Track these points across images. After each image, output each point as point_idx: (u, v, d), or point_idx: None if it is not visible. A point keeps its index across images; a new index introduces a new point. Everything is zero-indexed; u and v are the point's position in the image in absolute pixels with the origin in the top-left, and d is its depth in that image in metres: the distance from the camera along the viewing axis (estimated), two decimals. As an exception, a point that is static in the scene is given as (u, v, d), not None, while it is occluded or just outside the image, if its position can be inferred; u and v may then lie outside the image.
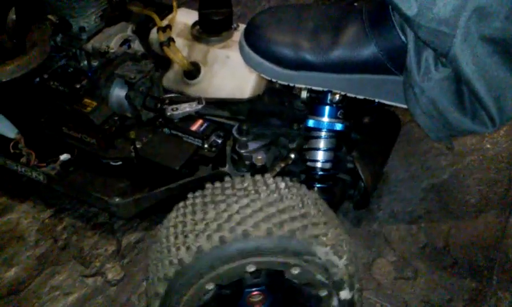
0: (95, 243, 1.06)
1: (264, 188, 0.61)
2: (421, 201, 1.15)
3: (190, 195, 0.67)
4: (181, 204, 0.65)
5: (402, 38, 0.75)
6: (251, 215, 0.57)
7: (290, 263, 0.58)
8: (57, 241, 1.06)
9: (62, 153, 1.04)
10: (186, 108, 1.03)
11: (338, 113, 0.92)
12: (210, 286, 0.59)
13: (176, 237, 0.59)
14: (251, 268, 0.58)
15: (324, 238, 0.57)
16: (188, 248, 0.57)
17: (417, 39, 0.72)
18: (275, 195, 0.60)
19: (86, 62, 1.14)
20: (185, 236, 0.58)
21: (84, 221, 1.10)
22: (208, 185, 0.66)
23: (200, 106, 1.04)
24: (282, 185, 0.63)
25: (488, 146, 1.27)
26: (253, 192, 0.61)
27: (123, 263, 1.03)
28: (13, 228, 1.09)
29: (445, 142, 1.17)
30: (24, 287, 0.99)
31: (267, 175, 0.65)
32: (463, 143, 1.28)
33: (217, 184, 0.66)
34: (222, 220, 0.57)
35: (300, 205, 0.60)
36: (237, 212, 0.58)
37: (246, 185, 0.62)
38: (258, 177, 0.64)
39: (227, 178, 0.68)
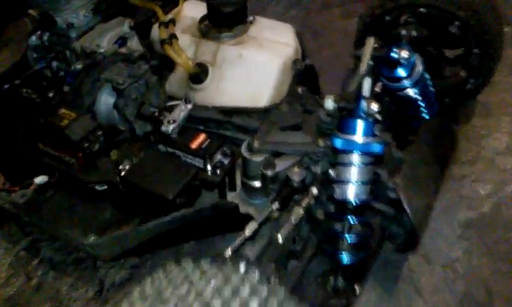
0: (74, 282, 0.91)
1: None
2: (458, 239, 0.98)
3: None
4: None
5: None
6: None
7: None
8: (31, 279, 0.92)
9: (38, 175, 0.89)
10: (181, 113, 0.87)
11: (375, 129, 0.72)
12: None
13: None
14: None
15: None
16: None
17: None
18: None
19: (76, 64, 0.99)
20: None
21: (63, 255, 0.95)
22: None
23: (189, 106, 0.89)
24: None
25: (535, 173, 1.10)
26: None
27: (105, 308, 0.88)
28: (-19, 262, 0.95)
29: None
30: (-12, 336, 0.85)
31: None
32: (503, 168, 1.11)
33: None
34: None
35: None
36: None
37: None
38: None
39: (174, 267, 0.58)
